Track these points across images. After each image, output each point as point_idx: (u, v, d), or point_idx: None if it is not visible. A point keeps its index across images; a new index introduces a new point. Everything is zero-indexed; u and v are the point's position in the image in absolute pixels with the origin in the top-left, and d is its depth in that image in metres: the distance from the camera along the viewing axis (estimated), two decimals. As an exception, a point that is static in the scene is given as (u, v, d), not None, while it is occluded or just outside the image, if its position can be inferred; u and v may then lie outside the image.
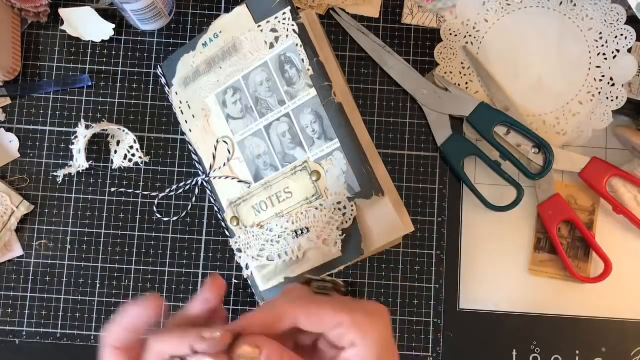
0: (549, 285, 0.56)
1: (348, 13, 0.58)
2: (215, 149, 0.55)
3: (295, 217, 0.52)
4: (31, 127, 0.57)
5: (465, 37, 0.57)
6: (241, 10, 0.53)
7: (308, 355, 0.38)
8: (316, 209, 0.51)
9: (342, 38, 0.58)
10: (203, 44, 0.54)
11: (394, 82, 0.57)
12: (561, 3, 0.56)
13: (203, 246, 0.56)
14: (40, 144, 0.57)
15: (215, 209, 0.56)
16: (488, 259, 0.56)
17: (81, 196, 0.57)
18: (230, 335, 0.32)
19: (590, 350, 0.55)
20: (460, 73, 0.57)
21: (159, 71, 0.57)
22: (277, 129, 0.52)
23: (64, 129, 0.57)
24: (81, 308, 0.56)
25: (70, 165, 0.57)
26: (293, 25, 0.51)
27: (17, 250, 0.56)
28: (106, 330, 0.34)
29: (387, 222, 0.49)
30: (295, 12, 0.51)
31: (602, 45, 0.55)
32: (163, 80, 0.57)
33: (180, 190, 0.57)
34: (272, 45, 0.52)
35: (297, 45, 0.51)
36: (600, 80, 0.55)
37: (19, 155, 0.57)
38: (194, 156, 0.56)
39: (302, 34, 0.51)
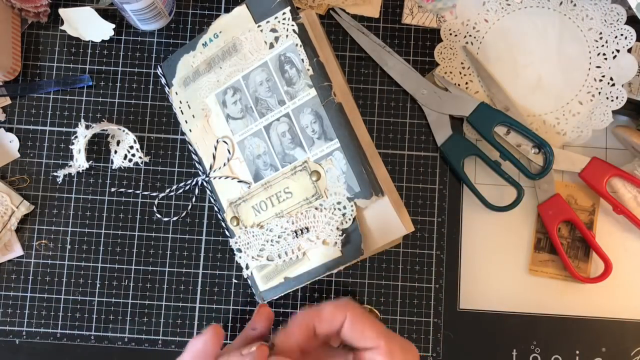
0: (549, 285, 0.56)
1: (348, 13, 0.58)
2: (215, 149, 0.55)
3: (295, 217, 0.52)
4: (31, 127, 0.57)
5: (465, 37, 0.57)
6: (241, 10, 0.53)
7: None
8: (316, 209, 0.51)
9: (342, 38, 0.58)
10: (203, 44, 0.54)
11: (394, 82, 0.57)
12: (561, 3, 0.56)
13: (203, 246, 0.56)
14: (40, 144, 0.57)
15: (215, 209, 0.56)
16: (488, 259, 0.56)
17: (81, 196, 0.57)
18: (265, 348, 0.36)
19: (590, 350, 0.55)
20: (460, 73, 0.57)
21: (159, 71, 0.57)
22: (277, 129, 0.52)
23: (64, 129, 0.57)
24: (81, 308, 0.56)
25: (70, 165, 0.57)
26: (293, 25, 0.51)
27: (17, 250, 0.56)
28: None
29: (387, 222, 0.49)
30: (295, 12, 0.51)
31: (602, 45, 0.55)
32: (163, 80, 0.57)
33: (180, 190, 0.57)
34: (272, 45, 0.52)
35: (297, 45, 0.51)
36: (600, 80, 0.55)
37: (19, 155, 0.57)
38: (194, 156, 0.56)
39: (302, 34, 0.51)
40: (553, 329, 0.55)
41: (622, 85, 0.54)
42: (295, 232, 0.51)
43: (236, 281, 0.56)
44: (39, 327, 0.55)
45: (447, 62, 0.57)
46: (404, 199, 0.56)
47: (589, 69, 0.55)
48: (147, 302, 0.56)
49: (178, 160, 0.57)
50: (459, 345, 0.55)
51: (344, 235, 0.50)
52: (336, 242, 0.50)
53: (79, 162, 0.55)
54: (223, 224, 0.56)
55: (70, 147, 0.57)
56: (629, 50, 0.54)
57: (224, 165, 0.54)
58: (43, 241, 0.56)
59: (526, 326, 0.55)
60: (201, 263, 0.56)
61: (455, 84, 0.57)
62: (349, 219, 0.50)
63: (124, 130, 0.57)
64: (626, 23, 0.54)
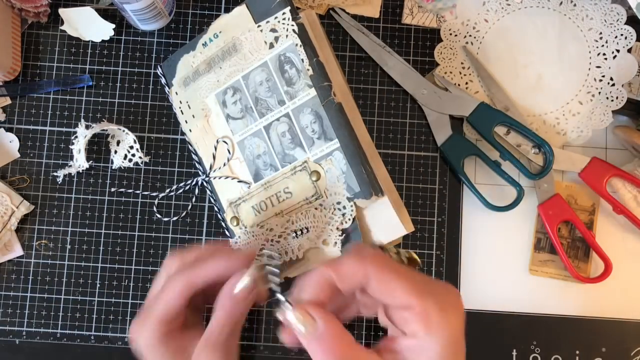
0: (549, 285, 0.56)
1: (348, 13, 0.58)
2: (215, 149, 0.55)
3: (295, 217, 0.52)
4: (31, 127, 0.57)
5: (465, 37, 0.57)
6: (241, 10, 0.53)
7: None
8: (316, 209, 0.51)
9: (342, 38, 0.58)
10: (203, 44, 0.54)
11: (394, 82, 0.57)
12: (561, 3, 0.56)
13: (203, 246, 0.56)
14: (40, 144, 0.57)
15: (215, 209, 0.56)
16: (488, 259, 0.56)
17: (81, 196, 0.57)
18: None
19: (590, 350, 0.55)
20: (460, 73, 0.57)
21: (159, 71, 0.57)
22: (276, 129, 0.52)
23: (64, 129, 0.57)
24: (81, 308, 0.56)
25: (70, 165, 0.57)
26: (293, 25, 0.51)
27: (17, 250, 0.56)
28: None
29: (387, 222, 0.49)
30: (295, 12, 0.51)
31: (602, 45, 0.55)
32: (163, 80, 0.57)
33: (180, 190, 0.57)
34: (271, 45, 0.52)
35: (296, 45, 0.51)
36: (600, 80, 0.55)
37: (19, 155, 0.57)
38: (194, 156, 0.56)
39: (302, 34, 0.51)
40: (553, 329, 0.55)
41: (622, 85, 0.54)
42: (296, 232, 0.51)
43: (236, 281, 0.56)
44: (39, 327, 0.55)
45: (447, 62, 0.57)
46: (404, 199, 0.56)
47: (589, 69, 0.55)
48: (147, 302, 0.56)
49: (178, 160, 0.57)
50: (459, 345, 0.55)
51: (344, 235, 0.50)
52: (336, 242, 0.50)
53: (79, 162, 0.55)
54: (223, 224, 0.56)
55: (70, 147, 0.57)
56: (629, 50, 0.54)
57: (224, 165, 0.54)
58: (43, 241, 0.56)
59: (526, 326, 0.55)
60: (201, 263, 0.56)
61: (455, 84, 0.57)
62: (349, 219, 0.50)
63: (124, 130, 0.57)
64: (626, 23, 0.54)
